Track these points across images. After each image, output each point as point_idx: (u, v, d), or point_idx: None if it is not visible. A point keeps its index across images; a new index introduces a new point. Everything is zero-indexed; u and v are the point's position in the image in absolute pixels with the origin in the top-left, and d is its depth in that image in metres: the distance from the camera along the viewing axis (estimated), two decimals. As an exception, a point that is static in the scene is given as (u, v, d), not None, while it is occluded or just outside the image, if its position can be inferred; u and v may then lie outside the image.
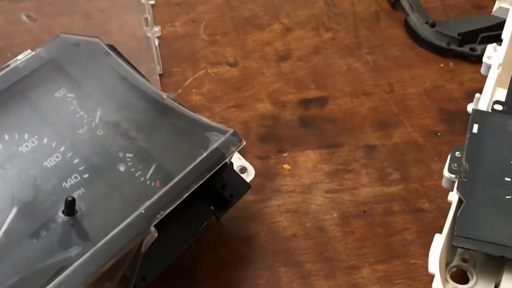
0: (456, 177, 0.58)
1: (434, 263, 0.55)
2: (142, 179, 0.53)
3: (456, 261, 0.58)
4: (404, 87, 0.73)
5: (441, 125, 0.70)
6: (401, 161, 0.68)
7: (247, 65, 0.74)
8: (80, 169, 0.53)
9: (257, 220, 0.64)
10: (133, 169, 0.53)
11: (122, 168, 0.54)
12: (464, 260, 0.58)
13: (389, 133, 0.70)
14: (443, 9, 0.80)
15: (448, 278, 0.57)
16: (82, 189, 0.52)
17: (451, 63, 0.75)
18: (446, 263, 0.57)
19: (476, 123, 0.60)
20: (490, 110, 0.62)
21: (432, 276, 0.55)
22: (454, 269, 0.57)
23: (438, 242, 0.55)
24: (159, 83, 0.71)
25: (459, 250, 0.58)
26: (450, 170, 0.58)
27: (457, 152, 0.59)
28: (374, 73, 0.74)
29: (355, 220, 0.64)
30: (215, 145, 0.55)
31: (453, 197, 0.58)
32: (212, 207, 0.58)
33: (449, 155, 0.59)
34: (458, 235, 0.55)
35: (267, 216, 0.64)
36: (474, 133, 0.60)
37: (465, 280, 0.57)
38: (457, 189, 0.57)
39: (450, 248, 0.57)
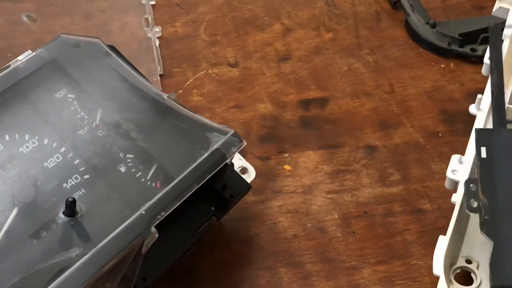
0: (477, 214, 0.53)
1: (438, 264, 0.54)
2: (142, 179, 0.53)
3: (460, 263, 0.58)
4: (404, 87, 0.73)
5: (442, 125, 0.70)
6: (401, 161, 0.68)
7: (248, 66, 0.74)
8: (80, 169, 0.53)
9: (258, 221, 0.63)
10: (133, 170, 0.53)
11: (122, 169, 0.53)
12: (468, 261, 0.58)
13: (389, 134, 0.70)
14: (444, 10, 0.80)
15: (453, 280, 0.57)
16: (83, 190, 0.52)
17: (451, 64, 0.75)
18: (450, 264, 0.57)
19: (482, 145, 0.55)
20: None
21: (434, 277, 0.55)
22: (458, 271, 0.57)
23: (442, 243, 0.55)
24: (159, 83, 0.71)
25: (463, 252, 0.58)
26: (469, 208, 0.54)
27: (471, 185, 0.54)
28: (374, 74, 0.74)
29: (356, 221, 0.64)
30: (215, 146, 0.55)
31: (457, 198, 0.58)
32: (213, 208, 0.58)
33: (463, 188, 0.55)
34: (495, 285, 0.50)
35: (267, 216, 0.64)
36: (484, 158, 0.54)
37: (469, 282, 0.57)
38: (482, 230, 0.52)
39: (454, 249, 0.57)
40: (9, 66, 0.56)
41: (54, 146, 0.53)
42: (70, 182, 0.52)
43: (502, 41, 0.66)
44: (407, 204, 0.65)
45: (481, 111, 0.63)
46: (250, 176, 0.62)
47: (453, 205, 0.58)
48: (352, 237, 0.63)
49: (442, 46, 0.76)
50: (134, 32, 0.75)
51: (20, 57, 0.57)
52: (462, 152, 0.61)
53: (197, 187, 0.53)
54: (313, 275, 0.61)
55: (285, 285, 0.60)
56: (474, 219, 0.60)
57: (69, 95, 0.56)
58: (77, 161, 0.53)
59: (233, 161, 0.60)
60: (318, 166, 0.67)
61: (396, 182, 0.66)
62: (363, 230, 0.63)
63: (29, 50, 0.57)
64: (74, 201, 0.50)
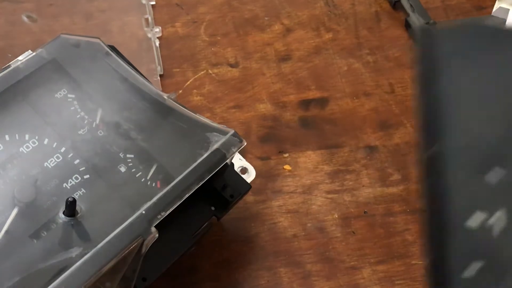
0: None
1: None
2: (142, 179, 0.53)
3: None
4: (404, 87, 0.73)
5: (442, 125, 0.70)
6: (402, 161, 0.68)
7: (248, 66, 0.74)
8: (80, 169, 0.53)
9: (258, 221, 0.64)
10: (133, 170, 0.53)
11: (122, 169, 0.53)
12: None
13: (389, 134, 0.70)
14: (444, 10, 0.80)
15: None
16: (83, 190, 0.52)
17: (451, 64, 0.75)
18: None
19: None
20: None
21: (433, 277, 0.55)
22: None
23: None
24: (159, 83, 0.71)
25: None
26: None
27: None
28: (374, 74, 0.74)
29: (356, 221, 0.64)
30: (215, 146, 0.55)
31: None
32: (213, 208, 0.58)
33: None
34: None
35: (267, 216, 0.64)
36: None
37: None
38: None
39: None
40: (9, 66, 0.56)
41: (54, 146, 0.53)
42: (70, 182, 0.52)
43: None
44: (407, 204, 0.65)
45: (481, 111, 0.63)
46: (250, 176, 0.62)
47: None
48: (352, 237, 0.63)
49: (442, 46, 0.76)
50: (134, 32, 0.75)
51: (20, 57, 0.57)
52: (462, 152, 0.61)
53: (197, 187, 0.53)
54: (313, 275, 0.61)
55: (285, 285, 0.60)
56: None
57: (69, 95, 0.56)
58: (77, 161, 0.53)
59: (233, 161, 0.60)
60: (318, 166, 0.67)
61: (396, 182, 0.66)
62: (363, 230, 0.63)
63: (29, 50, 0.57)
64: (74, 201, 0.50)
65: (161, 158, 0.54)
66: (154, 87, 0.58)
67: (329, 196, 0.65)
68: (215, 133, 0.56)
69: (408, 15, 0.78)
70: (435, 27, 0.38)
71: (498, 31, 0.37)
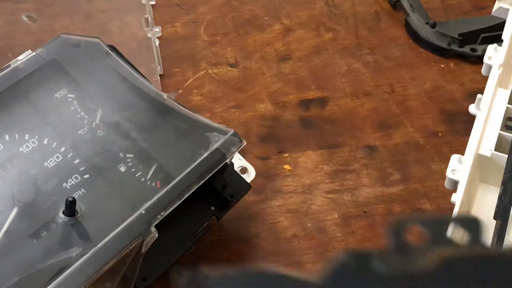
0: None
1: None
2: (142, 179, 0.53)
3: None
4: (404, 87, 0.73)
5: (442, 125, 0.70)
6: (401, 161, 0.68)
7: (248, 66, 0.74)
8: (80, 169, 0.53)
9: (258, 221, 0.63)
10: (133, 170, 0.53)
11: (122, 169, 0.53)
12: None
13: (389, 134, 0.70)
14: (444, 10, 0.80)
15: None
16: (83, 190, 0.52)
17: (451, 64, 0.75)
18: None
19: None
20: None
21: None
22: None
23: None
24: (159, 83, 0.71)
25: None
26: None
27: None
28: (374, 74, 0.74)
29: (356, 221, 0.64)
30: (215, 146, 0.55)
31: (457, 198, 0.58)
32: (213, 208, 0.58)
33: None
34: None
35: (267, 216, 0.64)
36: None
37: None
38: None
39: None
40: (9, 66, 0.56)
41: (54, 146, 0.53)
42: (70, 182, 0.52)
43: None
44: (407, 204, 0.65)
45: (481, 111, 0.63)
46: (250, 176, 0.62)
47: (453, 205, 0.58)
48: (352, 237, 0.63)
49: (442, 46, 0.76)
50: (134, 32, 0.75)
51: (20, 57, 0.57)
52: (462, 152, 0.61)
53: (197, 187, 0.53)
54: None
55: (285, 285, 0.60)
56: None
57: (69, 95, 0.56)
58: (77, 161, 0.53)
59: (233, 161, 0.60)
60: (318, 166, 0.67)
61: (396, 182, 0.66)
62: (363, 230, 0.63)
63: (29, 50, 0.57)
64: (74, 200, 0.50)
65: (161, 158, 0.54)
66: (154, 87, 0.58)
67: (329, 196, 0.65)
68: (215, 133, 0.56)
69: (408, 15, 0.78)
70: (202, 275, 0.30)
71: (273, 277, 0.31)
